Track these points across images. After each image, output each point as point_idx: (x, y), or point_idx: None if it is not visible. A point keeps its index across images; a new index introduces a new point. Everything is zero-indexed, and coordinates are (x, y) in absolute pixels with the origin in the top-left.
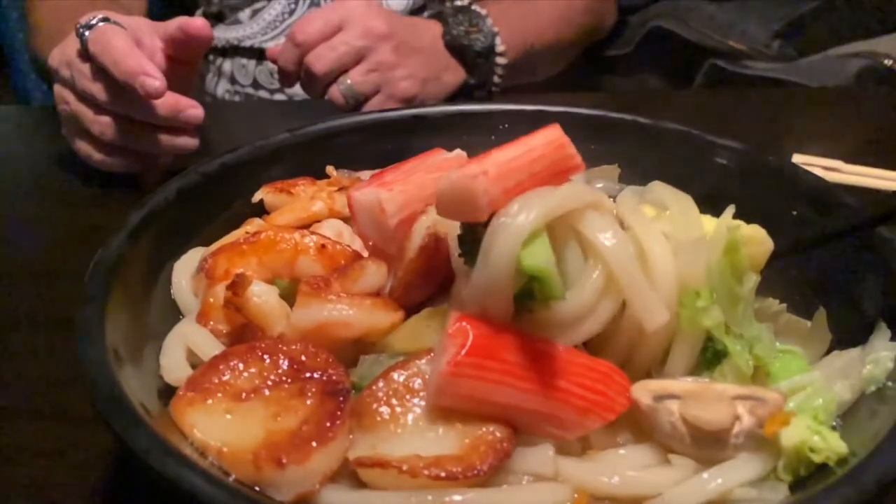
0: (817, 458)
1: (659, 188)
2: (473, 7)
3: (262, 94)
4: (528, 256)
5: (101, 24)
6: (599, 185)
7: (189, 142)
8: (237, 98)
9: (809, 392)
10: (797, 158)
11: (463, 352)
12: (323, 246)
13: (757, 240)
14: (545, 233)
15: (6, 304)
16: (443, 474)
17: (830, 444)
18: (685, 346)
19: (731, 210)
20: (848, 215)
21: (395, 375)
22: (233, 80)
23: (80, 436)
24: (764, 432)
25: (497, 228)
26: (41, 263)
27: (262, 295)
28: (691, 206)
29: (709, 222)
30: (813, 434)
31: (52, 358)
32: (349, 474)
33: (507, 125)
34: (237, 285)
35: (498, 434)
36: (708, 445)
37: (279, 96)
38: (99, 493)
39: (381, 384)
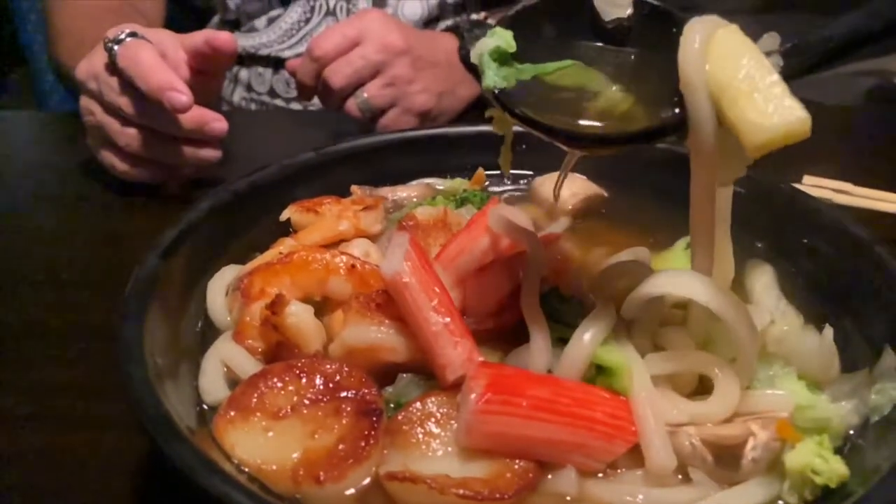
0: (819, 480)
1: None
2: (489, 20)
3: (278, 102)
4: (605, 352)
5: (129, 38)
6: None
7: (212, 153)
8: (253, 106)
9: (816, 414)
10: (808, 181)
11: (490, 391)
12: (353, 266)
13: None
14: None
15: (28, 311)
16: (470, 494)
17: (832, 467)
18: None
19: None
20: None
21: (432, 401)
22: (249, 88)
23: (103, 442)
24: (777, 433)
25: None
26: (63, 270)
27: (299, 314)
28: None
29: None
30: (815, 457)
31: (75, 365)
32: (375, 487)
33: (524, 146)
34: (276, 305)
35: (524, 464)
36: (727, 462)
37: (295, 105)
38: (123, 500)
39: (417, 406)
